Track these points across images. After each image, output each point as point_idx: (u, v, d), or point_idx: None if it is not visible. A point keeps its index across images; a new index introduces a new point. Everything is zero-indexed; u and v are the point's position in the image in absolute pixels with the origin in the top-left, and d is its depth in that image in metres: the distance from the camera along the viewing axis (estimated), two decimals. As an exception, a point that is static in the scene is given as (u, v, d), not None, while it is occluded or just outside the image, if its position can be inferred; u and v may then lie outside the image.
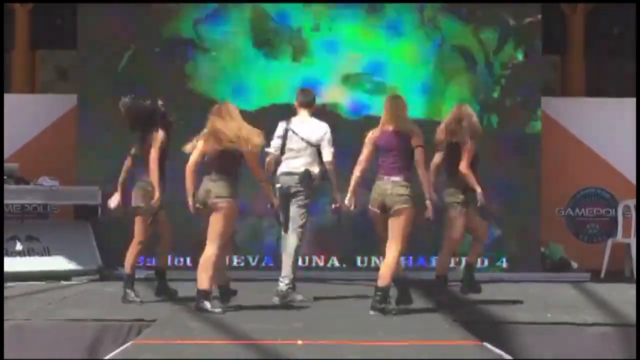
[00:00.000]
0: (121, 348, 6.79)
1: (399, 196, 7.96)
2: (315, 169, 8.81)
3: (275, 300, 8.60)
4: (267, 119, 9.70)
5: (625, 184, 12.07)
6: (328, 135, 8.86)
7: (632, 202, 11.62)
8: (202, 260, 7.96)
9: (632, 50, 12.22)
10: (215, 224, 7.94)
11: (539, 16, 11.70)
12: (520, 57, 11.65)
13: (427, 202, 8.05)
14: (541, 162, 11.65)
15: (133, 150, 8.80)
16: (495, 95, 11.64)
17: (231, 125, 8.02)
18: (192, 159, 8.05)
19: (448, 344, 6.65)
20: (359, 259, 11.41)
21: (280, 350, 6.33)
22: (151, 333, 7.03)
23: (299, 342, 6.55)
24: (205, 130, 8.09)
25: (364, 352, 6.36)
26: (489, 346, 6.65)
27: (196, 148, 8.06)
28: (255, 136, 8.03)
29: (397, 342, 6.65)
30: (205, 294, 7.93)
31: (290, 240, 8.74)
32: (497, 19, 11.68)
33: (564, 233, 12.23)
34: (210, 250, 7.94)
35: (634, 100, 11.83)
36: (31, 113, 12.03)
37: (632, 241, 11.41)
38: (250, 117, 8.53)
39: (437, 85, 11.63)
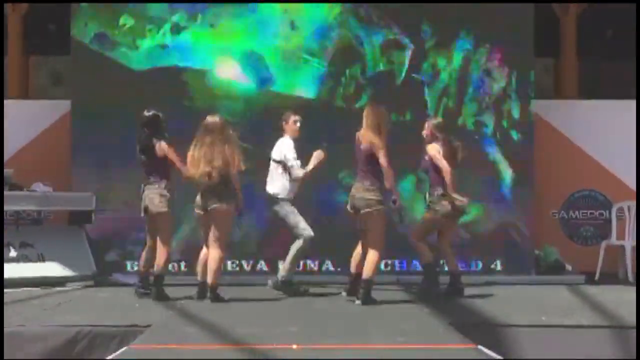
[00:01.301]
0: (116, 353, 6.79)
1: (366, 200, 8.83)
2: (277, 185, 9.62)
3: (269, 284, 9.56)
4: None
5: (619, 186, 12.09)
6: (287, 151, 9.61)
7: (626, 204, 11.64)
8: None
9: (625, 52, 12.24)
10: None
11: (532, 18, 11.70)
12: (512, 59, 11.64)
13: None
14: (534, 164, 11.66)
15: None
16: (488, 98, 11.64)
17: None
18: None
19: (442, 347, 6.66)
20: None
21: (275, 354, 6.34)
22: (146, 338, 7.03)
23: (294, 346, 6.55)
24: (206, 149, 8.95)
25: (359, 355, 6.37)
26: (483, 349, 6.66)
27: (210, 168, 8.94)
28: None
29: (392, 346, 6.65)
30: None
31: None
32: (489, 20, 11.68)
33: (558, 235, 12.25)
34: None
35: (627, 102, 11.85)
36: (25, 119, 12.01)
37: (627, 243, 11.42)
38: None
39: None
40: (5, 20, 12.70)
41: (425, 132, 9.70)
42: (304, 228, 9.43)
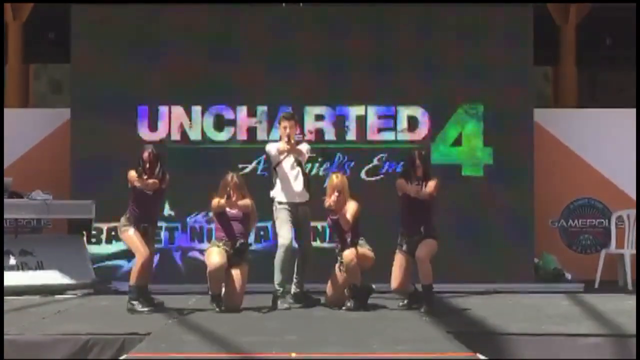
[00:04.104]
0: (115, 362, 6.81)
1: None
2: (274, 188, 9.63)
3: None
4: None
5: (618, 194, 12.10)
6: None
7: (625, 213, 11.64)
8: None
9: (624, 60, 12.27)
10: None
11: (531, 26, 11.72)
12: (511, 67, 11.65)
13: None
14: (534, 173, 11.66)
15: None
16: (488, 106, 11.65)
17: None
18: None
19: (441, 355, 6.64)
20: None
21: (274, 363, 6.35)
22: (145, 347, 7.01)
23: (293, 354, 6.54)
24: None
25: (357, 364, 6.38)
26: (483, 357, 6.65)
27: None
28: None
29: (391, 355, 6.64)
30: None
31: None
32: (489, 28, 11.71)
33: (558, 244, 12.25)
34: None
35: (626, 110, 11.86)
36: (24, 127, 12.03)
37: (626, 252, 11.42)
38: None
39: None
40: (5, 29, 12.72)
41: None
42: (281, 236, 9.40)
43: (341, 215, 9.17)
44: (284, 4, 12.06)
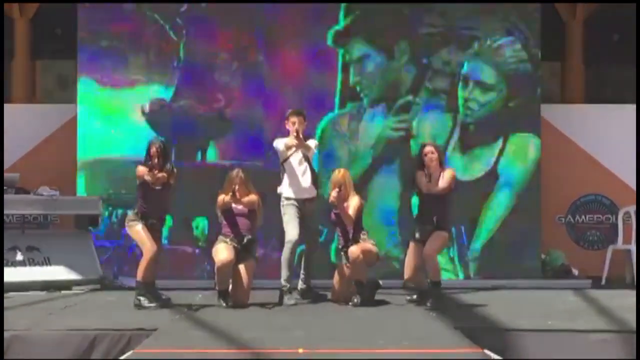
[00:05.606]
0: (122, 357, 6.80)
1: None
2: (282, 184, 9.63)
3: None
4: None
5: (625, 190, 12.08)
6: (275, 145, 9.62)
7: (632, 209, 11.63)
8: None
9: (631, 56, 12.24)
10: None
11: (538, 22, 11.72)
12: (519, 63, 11.65)
13: None
14: (541, 169, 11.65)
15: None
16: (495, 102, 11.64)
17: None
18: None
19: (448, 351, 6.65)
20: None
21: (281, 359, 6.33)
22: (152, 342, 7.03)
23: (300, 350, 6.55)
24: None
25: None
26: (490, 353, 6.66)
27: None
28: None
29: (398, 350, 6.64)
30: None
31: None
32: (496, 25, 11.69)
33: (565, 240, 12.24)
34: None
35: (633, 106, 11.84)
36: (31, 123, 12.04)
37: (633, 248, 11.41)
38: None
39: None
40: (12, 25, 12.73)
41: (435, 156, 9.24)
42: (287, 232, 9.39)
43: (343, 210, 9.17)
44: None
